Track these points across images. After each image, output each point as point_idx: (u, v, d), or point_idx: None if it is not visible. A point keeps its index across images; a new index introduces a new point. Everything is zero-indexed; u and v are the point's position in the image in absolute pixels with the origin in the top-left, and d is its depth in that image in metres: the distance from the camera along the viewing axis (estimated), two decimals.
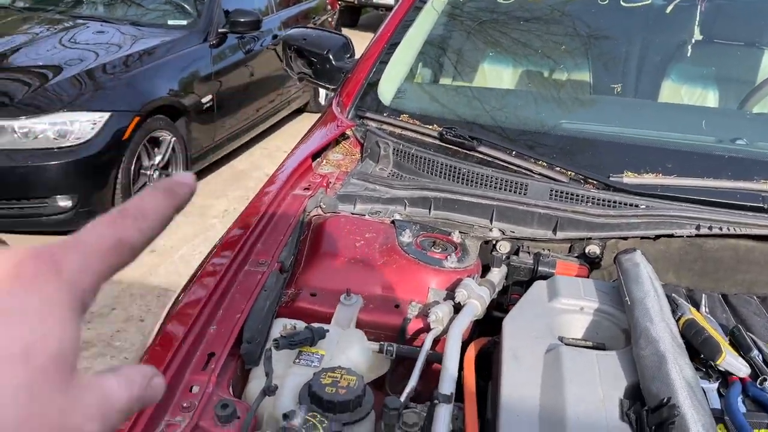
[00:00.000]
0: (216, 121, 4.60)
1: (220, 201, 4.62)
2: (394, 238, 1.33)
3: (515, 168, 1.51)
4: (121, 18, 4.70)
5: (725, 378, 0.96)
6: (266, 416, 1.00)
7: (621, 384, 0.97)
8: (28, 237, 3.88)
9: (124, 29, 4.51)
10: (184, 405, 0.98)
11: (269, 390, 0.99)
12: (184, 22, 4.66)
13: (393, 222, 1.41)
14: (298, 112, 6.34)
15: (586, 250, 1.38)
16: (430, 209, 1.45)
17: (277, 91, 5.54)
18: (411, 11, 2.13)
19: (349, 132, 1.76)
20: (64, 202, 3.57)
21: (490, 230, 1.41)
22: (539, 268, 1.34)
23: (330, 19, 6.75)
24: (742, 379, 0.94)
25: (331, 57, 2.06)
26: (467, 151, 1.58)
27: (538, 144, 1.60)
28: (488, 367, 1.16)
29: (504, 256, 1.36)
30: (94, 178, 3.63)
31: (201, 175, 4.80)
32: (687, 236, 1.31)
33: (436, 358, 1.12)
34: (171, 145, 4.13)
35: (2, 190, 3.50)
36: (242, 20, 4.70)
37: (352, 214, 1.46)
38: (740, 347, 1.01)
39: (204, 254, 4.16)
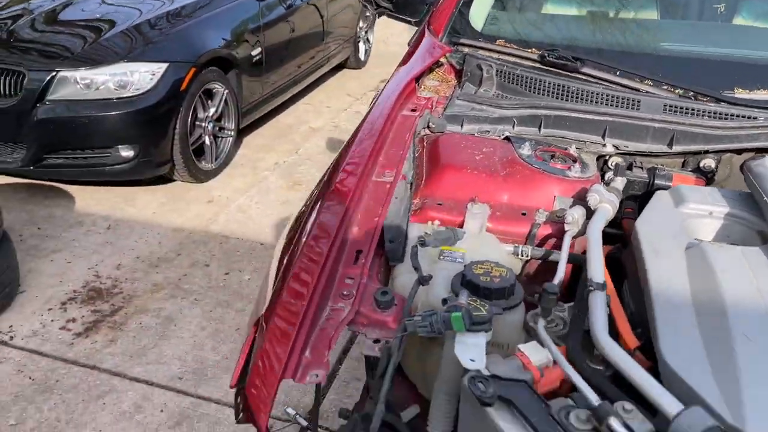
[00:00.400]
0: (263, 74, 4.62)
1: (270, 155, 4.66)
2: (513, 151, 1.35)
3: (622, 87, 1.51)
4: None
5: None
6: (420, 305, 1.04)
7: None
8: (92, 187, 3.98)
9: None
10: (344, 293, 1.02)
11: (424, 279, 1.03)
12: None
13: (506, 138, 1.43)
14: (339, 68, 6.32)
15: (701, 165, 1.39)
16: (540, 127, 1.47)
17: (317, 47, 5.52)
18: None
19: (443, 59, 1.77)
20: (126, 152, 3.64)
21: (604, 146, 1.42)
22: (655, 182, 1.35)
23: None
24: None
25: None
26: (570, 73, 1.58)
27: (640, 64, 1.59)
28: (617, 270, 1.19)
29: (613, 170, 1.38)
30: (154, 128, 3.68)
31: (249, 129, 4.84)
32: None
33: (572, 259, 1.15)
34: (224, 98, 4.16)
35: (66, 140, 3.57)
36: None
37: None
38: None
39: (260, 204, 4.21)
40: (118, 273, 3.28)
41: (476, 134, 1.48)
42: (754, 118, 1.37)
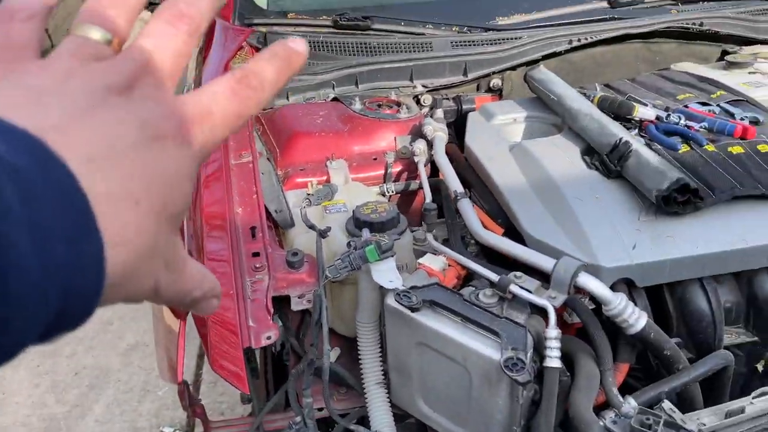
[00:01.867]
0: None
1: None
2: (347, 109, 1.51)
3: (411, 34, 1.73)
4: None
5: (641, 125, 1.32)
6: (325, 257, 1.16)
7: (576, 151, 1.29)
8: None
9: None
10: (256, 266, 1.10)
11: (324, 233, 1.15)
12: None
13: (334, 99, 1.58)
14: None
15: (491, 85, 1.67)
16: (356, 84, 1.63)
17: None
18: None
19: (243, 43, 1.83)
20: None
21: (414, 87, 1.63)
22: (463, 107, 1.60)
23: None
24: (652, 121, 1.30)
25: None
26: (363, 32, 1.76)
27: (419, 12, 1.83)
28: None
29: (431, 104, 1.60)
30: None
31: None
32: (563, 52, 1.65)
33: (432, 183, 1.35)
34: None
35: None
36: None
37: None
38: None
39: None
40: None
41: (304, 102, 1.60)
42: (519, 38, 1.68)
